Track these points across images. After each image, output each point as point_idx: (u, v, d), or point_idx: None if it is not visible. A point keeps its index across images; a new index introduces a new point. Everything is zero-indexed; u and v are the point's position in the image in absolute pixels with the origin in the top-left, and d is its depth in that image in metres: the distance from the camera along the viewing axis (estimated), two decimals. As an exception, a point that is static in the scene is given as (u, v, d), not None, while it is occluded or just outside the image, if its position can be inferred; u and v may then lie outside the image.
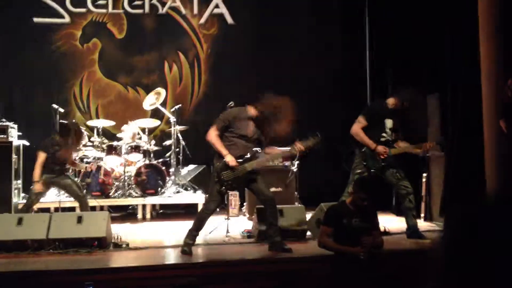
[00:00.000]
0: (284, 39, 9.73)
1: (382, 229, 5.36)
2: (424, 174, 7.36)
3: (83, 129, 7.60)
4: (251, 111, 5.43)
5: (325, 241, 4.64)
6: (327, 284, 4.57)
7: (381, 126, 5.89)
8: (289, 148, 5.45)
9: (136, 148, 8.38)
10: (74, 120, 7.91)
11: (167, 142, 8.77)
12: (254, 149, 5.45)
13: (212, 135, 5.35)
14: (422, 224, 6.71)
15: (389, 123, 5.90)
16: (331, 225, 4.65)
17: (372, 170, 5.79)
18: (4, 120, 8.13)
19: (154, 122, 8.86)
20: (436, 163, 7.28)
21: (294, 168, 7.76)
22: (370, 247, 4.40)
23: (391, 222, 6.81)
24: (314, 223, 6.06)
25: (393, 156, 5.84)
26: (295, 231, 6.01)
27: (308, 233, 6.10)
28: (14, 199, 7.66)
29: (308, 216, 6.30)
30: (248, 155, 5.35)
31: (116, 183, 8.23)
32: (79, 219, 5.68)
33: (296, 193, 7.76)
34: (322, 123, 9.09)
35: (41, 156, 6.48)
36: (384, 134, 5.89)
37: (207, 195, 5.75)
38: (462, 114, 6.61)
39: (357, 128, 5.85)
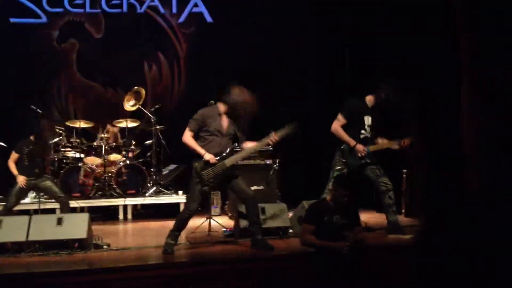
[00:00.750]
0: (263, 36, 9.73)
1: (363, 225, 5.41)
2: (405, 170, 7.45)
3: (56, 126, 7.59)
4: (221, 107, 5.46)
5: (308, 238, 4.68)
6: (309, 281, 4.60)
7: (360, 123, 5.94)
8: (264, 139, 5.46)
9: (116, 149, 8.33)
10: (43, 116, 7.82)
11: (148, 142, 8.73)
12: (231, 145, 5.47)
13: (187, 137, 5.38)
14: (403, 220, 6.79)
15: (368, 119, 5.96)
16: (313, 222, 4.69)
17: (351, 167, 5.85)
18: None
19: (133, 122, 8.81)
20: (417, 158, 7.35)
21: (276, 166, 7.78)
22: (353, 242, 4.44)
23: (372, 218, 6.89)
24: (296, 220, 6.10)
25: (373, 152, 5.90)
26: (277, 228, 6.04)
27: (290, 230, 6.13)
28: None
29: (290, 213, 6.34)
30: (226, 152, 5.37)
31: (97, 184, 8.16)
32: (59, 221, 5.63)
33: (277, 190, 7.79)
34: (304, 118, 9.15)
35: (13, 155, 6.61)
36: (363, 131, 5.95)
37: (188, 195, 5.74)
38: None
39: (337, 125, 5.91)
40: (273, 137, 5.38)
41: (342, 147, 5.90)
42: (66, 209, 6.58)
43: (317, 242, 4.62)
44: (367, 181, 5.99)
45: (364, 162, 5.85)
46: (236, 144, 5.56)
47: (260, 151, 7.86)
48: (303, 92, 9.66)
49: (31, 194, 7.72)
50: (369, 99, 5.97)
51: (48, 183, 6.68)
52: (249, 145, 5.53)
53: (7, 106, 9.11)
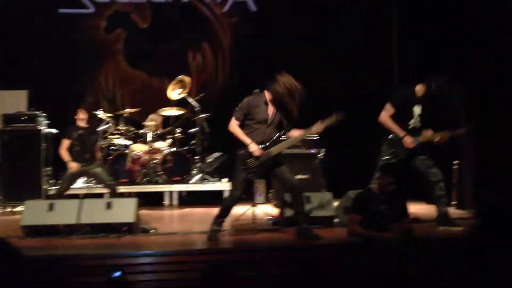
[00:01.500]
0: (309, 25, 9.66)
1: (412, 216, 5.31)
2: (456, 162, 7.28)
3: (101, 114, 7.79)
4: (267, 95, 5.44)
5: (354, 228, 4.63)
6: (355, 271, 4.57)
7: (409, 113, 5.82)
8: (310, 127, 5.42)
9: (161, 136, 8.45)
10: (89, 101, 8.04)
11: (192, 130, 8.82)
12: (276, 133, 5.45)
13: (233, 126, 5.39)
14: (454, 212, 6.63)
15: (417, 110, 5.84)
16: (360, 212, 4.63)
17: (399, 157, 5.75)
18: (33, 109, 8.29)
19: (179, 111, 8.91)
20: (468, 150, 7.18)
21: (321, 155, 7.73)
22: (402, 233, 4.37)
23: (421, 210, 6.76)
24: (342, 210, 6.06)
25: (422, 143, 5.78)
26: (322, 218, 6.01)
27: (336, 220, 6.09)
28: (44, 186, 7.81)
29: (336, 203, 6.30)
30: (271, 140, 5.36)
31: (143, 170, 8.31)
32: (108, 205, 5.77)
33: (323, 180, 7.75)
34: (350, 109, 9.07)
35: (64, 142, 6.75)
36: (412, 122, 5.83)
37: (232, 183, 5.78)
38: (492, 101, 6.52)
39: (385, 116, 5.80)
40: (319, 126, 5.35)
41: (390, 137, 5.80)
42: (114, 195, 6.74)
43: (364, 232, 4.56)
44: (415, 172, 5.88)
45: (413, 151, 5.73)
46: (281, 133, 5.54)
47: (304, 139, 7.84)
48: (351, 81, 9.56)
49: (82, 179, 7.92)
50: (419, 89, 5.83)
51: (98, 169, 6.86)
52: (296, 133, 5.51)
53: (57, 95, 9.35)
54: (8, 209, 7.88)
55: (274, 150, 5.35)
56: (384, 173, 4.71)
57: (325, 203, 6.13)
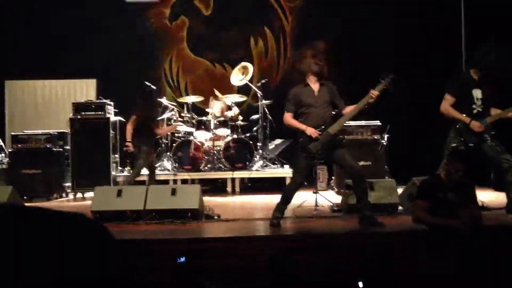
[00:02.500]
0: (373, 8, 9.44)
1: (480, 203, 5.13)
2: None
3: (165, 101, 8.01)
4: (311, 79, 5.38)
5: (420, 214, 4.50)
6: (419, 259, 4.46)
7: (470, 98, 5.59)
8: (364, 98, 5.29)
9: (224, 123, 8.55)
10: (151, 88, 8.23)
11: (254, 117, 8.86)
12: (330, 113, 5.38)
13: (287, 118, 5.39)
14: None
15: (477, 93, 5.60)
16: (426, 198, 4.50)
17: (469, 144, 5.54)
18: (101, 97, 8.58)
19: (241, 97, 8.97)
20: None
21: (384, 141, 7.59)
22: (470, 220, 4.23)
23: (489, 197, 6.51)
24: (406, 197, 5.92)
25: (492, 127, 5.55)
26: (385, 205, 5.90)
27: (399, 207, 5.97)
28: (113, 172, 8.10)
29: (400, 190, 6.16)
30: (326, 121, 5.30)
31: (206, 157, 8.45)
32: (173, 192, 5.89)
33: (386, 166, 7.60)
34: (417, 95, 8.84)
35: (132, 119, 7.03)
36: (474, 106, 5.60)
37: (294, 169, 5.76)
38: None
39: (446, 105, 5.61)
40: (372, 93, 5.20)
41: (458, 126, 5.59)
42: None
43: (431, 219, 4.43)
44: (486, 159, 5.65)
45: (483, 137, 5.51)
46: (335, 111, 5.46)
47: (367, 125, 7.71)
48: (415, 64, 9.28)
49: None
50: (474, 71, 5.60)
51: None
52: (349, 107, 5.41)
53: (123, 83, 9.62)
54: (79, 195, 8.25)
55: (332, 129, 5.27)
56: (453, 159, 4.54)
57: (388, 190, 6.01)
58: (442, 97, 5.75)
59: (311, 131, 5.22)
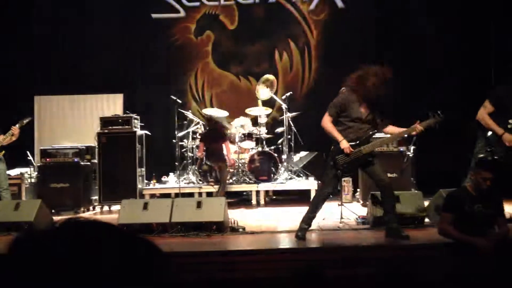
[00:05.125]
0: (398, 21, 9.41)
1: (508, 216, 5.03)
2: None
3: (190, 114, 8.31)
4: (354, 93, 5.33)
5: (446, 228, 4.44)
6: (448, 273, 4.39)
7: (508, 111, 5.51)
8: (408, 128, 5.28)
9: (249, 136, 8.58)
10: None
11: (279, 129, 8.87)
12: (370, 131, 5.34)
13: (326, 122, 5.34)
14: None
15: None
16: (452, 211, 4.44)
17: (497, 156, 5.45)
18: (128, 111, 8.70)
19: (266, 110, 9.00)
20: None
21: (410, 153, 7.51)
22: (497, 240, 4.14)
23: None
24: (433, 209, 5.85)
25: None
26: (412, 217, 5.84)
27: (426, 220, 5.90)
28: (139, 185, 8.18)
29: (426, 202, 6.09)
30: (363, 139, 5.27)
31: (231, 170, 8.48)
32: (199, 204, 5.93)
33: (412, 178, 7.52)
34: (441, 107, 8.73)
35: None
36: (511, 121, 5.51)
37: (322, 180, 5.74)
38: None
39: (483, 113, 5.54)
40: (418, 128, 5.19)
41: (488, 135, 5.51)
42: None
43: (456, 234, 4.36)
44: None
45: (511, 152, 5.42)
46: (374, 131, 5.43)
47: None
48: (440, 78, 9.21)
49: (173, 179, 8.23)
50: None
51: None
52: (391, 129, 5.39)
53: (150, 96, 9.77)
54: (106, 208, 8.35)
55: (365, 149, 5.25)
56: (481, 168, 4.47)
57: (415, 203, 5.94)
58: (471, 108, 5.69)
59: (345, 146, 5.20)
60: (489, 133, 5.52)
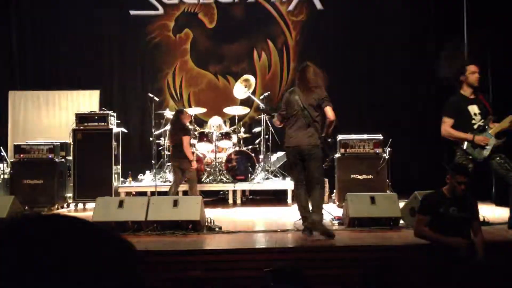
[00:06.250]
0: (375, 24, 9.51)
1: (481, 218, 5.12)
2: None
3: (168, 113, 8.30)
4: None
5: (422, 230, 4.49)
6: (421, 274, 4.45)
7: (467, 115, 5.65)
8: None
9: (226, 135, 8.57)
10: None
11: (257, 129, 8.88)
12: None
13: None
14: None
15: (474, 109, 5.65)
16: (428, 213, 4.50)
17: (478, 161, 5.56)
18: (104, 108, 8.61)
19: (243, 110, 9.00)
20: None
21: (386, 155, 7.59)
22: (468, 243, 4.21)
23: (490, 212, 6.51)
24: (408, 211, 5.91)
25: (497, 138, 5.57)
26: (387, 219, 5.90)
27: (401, 221, 5.96)
28: (114, 183, 8.10)
29: (401, 204, 6.16)
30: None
31: (208, 169, 8.46)
32: (175, 203, 5.90)
33: (387, 180, 7.60)
34: (420, 108, 8.86)
35: (186, 139, 7.29)
36: (473, 121, 5.64)
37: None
38: None
39: (447, 128, 5.66)
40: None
41: (464, 147, 5.61)
42: (194, 191, 7.32)
43: (432, 235, 4.42)
44: (495, 175, 5.66)
45: (490, 153, 5.52)
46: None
47: (369, 139, 7.73)
48: (415, 82, 9.33)
49: (149, 177, 8.16)
50: (465, 89, 5.69)
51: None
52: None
53: (126, 94, 9.68)
54: (80, 205, 8.25)
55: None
56: (455, 172, 4.54)
57: (390, 204, 6.00)
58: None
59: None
60: (465, 144, 5.61)
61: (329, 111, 5.33)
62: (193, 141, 8.53)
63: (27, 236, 0.74)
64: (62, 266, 0.71)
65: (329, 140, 5.49)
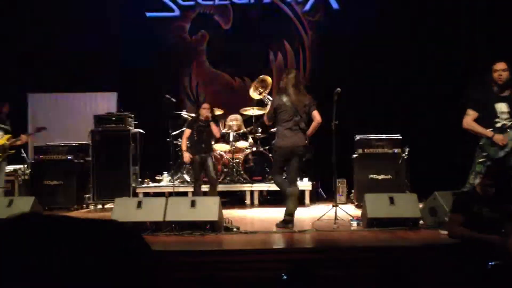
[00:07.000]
0: (393, 23, 9.44)
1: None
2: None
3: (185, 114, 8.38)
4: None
5: (458, 229, 4.37)
6: (440, 273, 4.40)
7: (492, 111, 5.51)
8: None
9: (243, 136, 8.57)
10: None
11: (273, 130, 8.84)
12: None
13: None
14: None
15: (501, 107, 5.50)
16: (461, 212, 4.39)
17: (494, 159, 5.45)
18: (122, 110, 8.67)
19: (260, 110, 8.99)
20: None
21: (404, 155, 7.53)
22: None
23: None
24: (427, 211, 5.86)
25: None
26: (407, 219, 5.84)
27: (421, 222, 5.91)
28: (133, 184, 8.15)
29: (421, 204, 6.10)
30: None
31: (225, 170, 8.47)
32: (193, 203, 5.91)
33: (406, 180, 7.54)
34: (437, 112, 8.77)
35: (186, 132, 7.34)
36: (497, 120, 5.50)
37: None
38: None
39: (468, 121, 5.52)
40: None
41: (481, 142, 5.50)
42: (214, 190, 7.20)
43: (469, 233, 4.28)
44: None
45: (508, 151, 5.41)
46: None
47: (387, 139, 7.67)
48: (435, 81, 9.25)
49: (167, 178, 8.20)
50: (494, 86, 5.52)
51: (211, 162, 7.24)
52: None
53: (144, 95, 9.73)
54: (99, 206, 8.31)
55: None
56: (487, 175, 4.48)
57: (409, 204, 5.94)
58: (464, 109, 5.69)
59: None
60: (482, 140, 5.51)
61: (317, 115, 5.91)
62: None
63: (29, 237, 0.74)
64: (72, 268, 0.71)
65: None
